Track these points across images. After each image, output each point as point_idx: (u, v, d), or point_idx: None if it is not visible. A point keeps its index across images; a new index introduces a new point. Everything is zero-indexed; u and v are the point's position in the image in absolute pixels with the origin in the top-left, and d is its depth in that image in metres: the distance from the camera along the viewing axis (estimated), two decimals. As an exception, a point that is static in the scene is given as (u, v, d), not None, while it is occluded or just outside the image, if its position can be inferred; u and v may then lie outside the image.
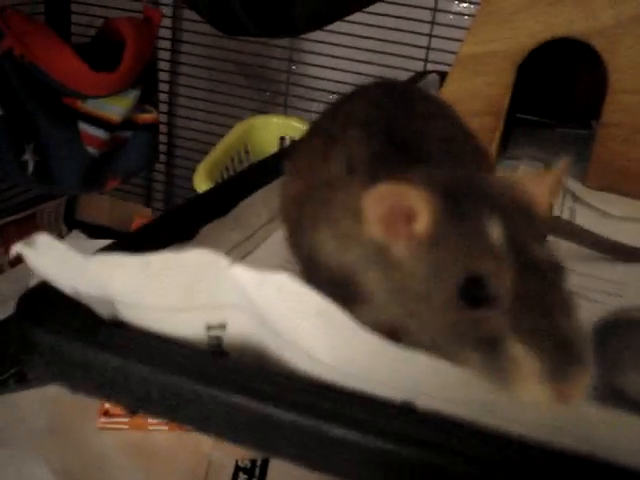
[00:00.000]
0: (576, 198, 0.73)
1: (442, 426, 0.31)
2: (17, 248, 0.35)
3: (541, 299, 0.31)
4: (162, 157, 1.75)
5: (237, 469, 0.98)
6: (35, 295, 0.37)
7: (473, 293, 0.31)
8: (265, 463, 0.98)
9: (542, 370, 0.29)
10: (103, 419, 1.02)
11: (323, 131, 0.46)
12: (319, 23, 0.73)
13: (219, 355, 0.35)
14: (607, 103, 0.73)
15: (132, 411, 0.39)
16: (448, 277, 0.32)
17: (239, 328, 0.34)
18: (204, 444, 1.02)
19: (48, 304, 0.37)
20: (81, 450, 0.99)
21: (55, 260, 0.34)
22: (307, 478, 0.94)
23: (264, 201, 0.58)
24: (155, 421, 1.03)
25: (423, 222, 0.33)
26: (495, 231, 0.32)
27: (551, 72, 0.94)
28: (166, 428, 1.03)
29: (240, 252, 0.54)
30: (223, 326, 0.35)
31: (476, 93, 0.78)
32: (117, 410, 1.02)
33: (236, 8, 0.69)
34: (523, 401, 0.30)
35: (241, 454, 1.00)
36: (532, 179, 0.36)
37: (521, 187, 0.35)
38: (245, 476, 0.97)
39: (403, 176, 0.34)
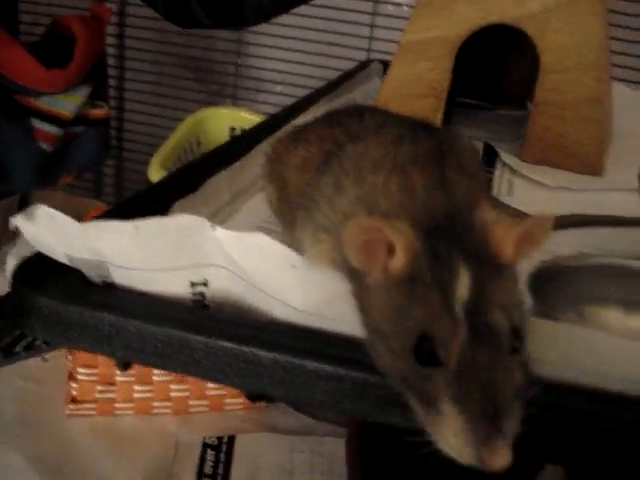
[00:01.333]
0: (513, 171, 0.78)
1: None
2: (16, 221, 0.38)
3: (483, 368, 0.32)
4: (112, 151, 1.76)
5: (205, 447, 1.01)
6: (31, 264, 0.41)
7: (424, 351, 0.32)
8: (231, 440, 1.02)
9: (466, 434, 0.31)
10: (71, 406, 1.05)
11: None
12: (268, 14, 0.77)
13: (203, 308, 0.39)
14: (538, 83, 0.79)
15: (125, 365, 0.43)
16: (408, 328, 0.33)
17: (220, 284, 0.39)
18: (171, 425, 1.06)
19: (44, 271, 0.41)
20: (52, 437, 1.01)
21: (52, 229, 0.38)
22: (273, 451, 0.98)
23: (227, 181, 0.62)
24: (122, 405, 1.06)
25: (400, 258, 0.33)
26: (460, 289, 0.33)
27: (489, 57, 1.00)
28: (133, 412, 1.06)
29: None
30: (205, 283, 0.39)
31: (418, 77, 0.84)
32: (85, 396, 1.05)
33: (191, 1, 0.73)
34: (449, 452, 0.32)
35: (208, 432, 1.04)
36: (503, 228, 0.34)
37: (492, 233, 0.35)
38: (213, 452, 1.01)
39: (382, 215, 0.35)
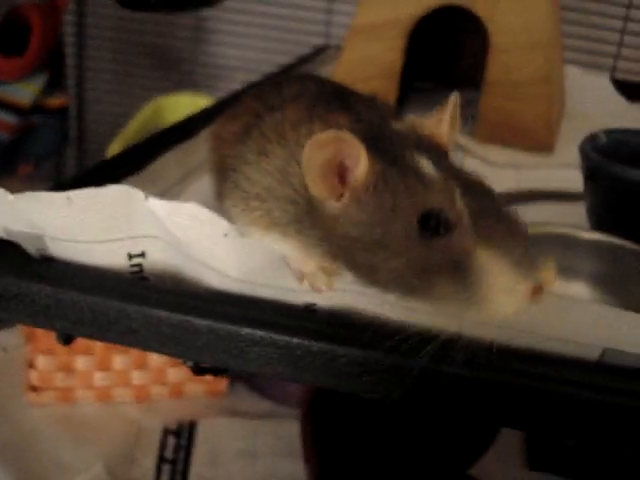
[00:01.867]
0: (465, 150, 0.79)
1: (337, 321, 0.37)
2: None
3: (492, 214, 0.34)
4: (73, 141, 1.75)
5: (166, 433, 1.02)
6: (-32, 238, 0.41)
7: (432, 225, 0.33)
8: (193, 425, 1.03)
9: (516, 267, 0.32)
10: (32, 394, 1.05)
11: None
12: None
13: (142, 279, 0.40)
14: (489, 63, 0.80)
15: (65, 339, 0.43)
16: (403, 218, 0.34)
17: (157, 255, 0.39)
18: (132, 411, 1.06)
19: (-19, 245, 0.41)
20: (12, 426, 1.01)
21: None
22: (235, 435, 0.99)
23: (176, 161, 0.62)
24: (83, 393, 1.06)
25: (362, 168, 0.34)
26: (427, 167, 0.34)
27: (442, 39, 1.01)
28: (93, 399, 1.06)
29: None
30: (143, 254, 0.39)
31: (370, 59, 0.84)
32: (45, 385, 1.05)
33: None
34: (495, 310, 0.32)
35: (168, 418, 1.04)
36: (430, 120, 0.38)
37: (423, 128, 0.38)
38: (174, 438, 1.01)
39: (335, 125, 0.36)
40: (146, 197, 0.37)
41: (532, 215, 0.64)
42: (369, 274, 0.35)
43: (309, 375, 0.35)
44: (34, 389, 1.05)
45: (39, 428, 1.02)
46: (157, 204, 0.37)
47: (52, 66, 1.45)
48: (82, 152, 1.85)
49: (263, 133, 0.40)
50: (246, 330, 0.35)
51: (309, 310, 0.37)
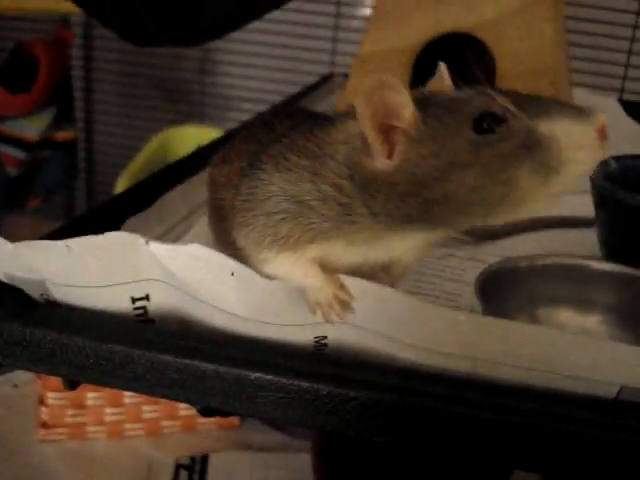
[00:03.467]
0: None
1: (348, 362, 0.36)
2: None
3: (530, 98, 0.36)
4: (82, 174, 1.76)
5: (177, 467, 1.01)
6: (-28, 284, 0.41)
7: (487, 123, 0.35)
8: (204, 459, 1.02)
9: (576, 122, 0.34)
10: (42, 431, 1.04)
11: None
12: (224, 29, 0.77)
13: (146, 322, 0.39)
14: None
15: (71, 384, 0.42)
16: (460, 134, 0.35)
17: (161, 297, 0.38)
18: (143, 446, 1.05)
19: (-16, 291, 0.40)
20: (23, 462, 1.01)
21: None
22: (247, 469, 0.98)
23: (183, 196, 0.62)
24: (94, 429, 1.05)
25: (410, 107, 0.35)
26: (459, 90, 0.38)
27: (448, 65, 1.00)
28: (104, 435, 1.05)
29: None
30: (147, 297, 0.39)
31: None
32: (55, 421, 1.04)
33: (143, 17, 0.72)
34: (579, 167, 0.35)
35: (181, 452, 1.03)
36: (432, 82, 0.41)
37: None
38: (186, 473, 1.00)
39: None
40: (147, 242, 0.37)
41: (541, 244, 0.63)
42: (449, 208, 0.36)
43: (319, 419, 0.35)
44: (45, 425, 1.04)
45: (50, 464, 1.01)
46: (158, 248, 0.37)
47: (60, 100, 1.46)
48: (91, 184, 1.86)
49: (276, 156, 0.40)
50: (254, 374, 0.35)
51: (319, 345, 0.36)
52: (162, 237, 0.58)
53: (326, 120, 0.41)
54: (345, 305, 0.36)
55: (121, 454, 1.04)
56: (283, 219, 0.38)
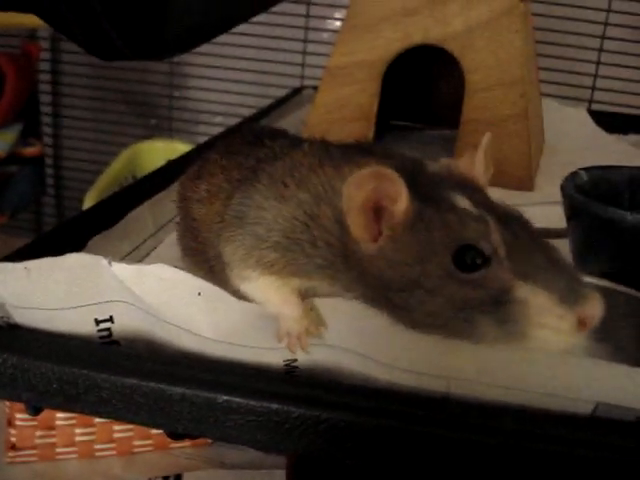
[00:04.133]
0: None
1: (318, 384, 0.35)
2: None
3: (529, 245, 0.33)
4: (50, 189, 1.73)
5: (151, 487, 0.99)
6: None
7: (468, 260, 0.33)
8: (178, 478, 1.00)
9: (559, 301, 0.31)
10: (11, 453, 1.02)
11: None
12: (191, 43, 0.76)
13: (110, 345, 0.38)
14: (465, 102, 0.79)
15: (35, 410, 0.41)
16: (439, 254, 0.33)
17: (126, 319, 0.37)
18: (115, 467, 1.03)
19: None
20: (-8, 486, 0.98)
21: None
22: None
23: (151, 212, 0.61)
24: (64, 450, 1.03)
25: (403, 206, 0.34)
26: (463, 202, 0.34)
27: (418, 78, 1.00)
28: (75, 456, 1.03)
29: (130, 261, 0.56)
30: (111, 319, 0.37)
31: (346, 101, 0.83)
32: (24, 443, 1.02)
33: (108, 31, 0.71)
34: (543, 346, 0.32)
35: (153, 472, 1.01)
36: (464, 160, 0.39)
37: (456, 168, 0.38)
38: (160, 493, 0.98)
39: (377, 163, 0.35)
40: (109, 262, 0.36)
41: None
42: (406, 315, 0.34)
43: (290, 442, 0.34)
44: (13, 447, 1.02)
45: (20, 487, 0.99)
46: (122, 269, 0.35)
47: (27, 115, 1.44)
48: (60, 200, 1.83)
49: (275, 179, 0.38)
50: (223, 397, 0.34)
51: (290, 367, 0.35)
52: (129, 255, 0.56)
53: (339, 154, 0.39)
54: (316, 334, 0.35)
55: (92, 475, 1.02)
56: (271, 247, 0.37)
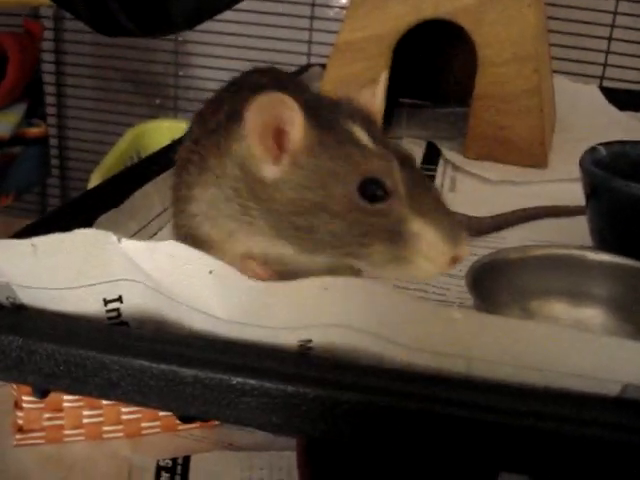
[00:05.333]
0: (456, 168, 0.77)
1: (335, 365, 0.34)
2: None
3: (422, 186, 0.37)
4: (55, 170, 1.72)
5: (159, 469, 0.98)
6: None
7: (372, 191, 0.36)
8: (186, 460, 0.99)
9: (442, 238, 0.35)
10: (18, 435, 1.01)
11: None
12: (197, 19, 0.75)
13: (120, 326, 0.37)
14: (478, 77, 0.78)
15: (42, 393, 0.40)
16: (343, 183, 0.36)
17: (135, 299, 0.36)
18: (123, 449, 1.02)
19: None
20: (1, 469, 0.98)
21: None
22: (230, 469, 0.96)
23: (157, 191, 0.59)
24: (71, 432, 1.02)
25: (299, 131, 0.37)
26: (363, 137, 0.37)
27: (428, 55, 0.99)
28: (83, 438, 1.02)
29: (137, 239, 0.55)
30: (120, 299, 0.36)
31: (355, 77, 0.82)
32: (32, 425, 1.02)
33: (114, 7, 0.70)
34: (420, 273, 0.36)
35: (161, 454, 1.01)
36: (364, 93, 0.41)
37: (357, 101, 0.41)
38: (167, 474, 0.98)
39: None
40: (119, 239, 0.34)
41: (530, 235, 0.61)
42: (308, 237, 0.37)
43: (306, 425, 0.32)
44: (21, 430, 1.02)
45: (27, 470, 0.99)
46: (131, 246, 0.34)
47: (30, 95, 1.43)
48: (65, 181, 1.82)
49: (201, 154, 0.42)
50: (236, 379, 0.32)
51: (304, 348, 0.34)
52: (135, 234, 0.55)
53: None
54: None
55: (100, 457, 1.01)
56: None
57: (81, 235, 0.35)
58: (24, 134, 1.44)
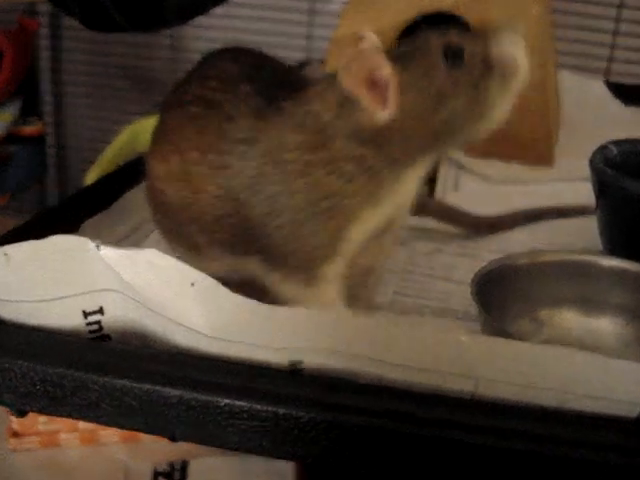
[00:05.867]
0: (460, 166, 0.74)
1: (329, 385, 0.31)
2: None
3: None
4: (53, 170, 1.70)
5: (156, 474, 0.96)
6: None
7: (455, 51, 0.40)
8: (184, 465, 0.97)
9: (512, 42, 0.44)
10: (13, 440, 0.99)
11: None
12: (190, 14, 0.73)
13: (101, 340, 0.34)
14: (481, 72, 0.75)
15: (20, 412, 0.37)
16: (440, 70, 0.40)
17: (118, 310, 0.34)
18: (119, 453, 1.00)
19: None
20: (-4, 474, 0.96)
21: None
22: (228, 474, 0.93)
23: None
24: (67, 436, 1.00)
25: (387, 67, 0.39)
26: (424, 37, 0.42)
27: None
28: (78, 442, 1.00)
29: (128, 244, 0.53)
30: (101, 311, 0.34)
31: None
32: (27, 429, 1.00)
33: (105, 2, 0.68)
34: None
35: (158, 459, 0.98)
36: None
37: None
38: (165, 480, 0.96)
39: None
40: (97, 246, 0.32)
41: (536, 236, 0.59)
42: (447, 131, 0.41)
43: (299, 450, 0.30)
44: (16, 434, 0.99)
45: (22, 475, 0.97)
46: (111, 253, 0.32)
47: (26, 93, 1.41)
48: (63, 180, 1.80)
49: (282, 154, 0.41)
50: (224, 400, 0.30)
51: (296, 369, 0.32)
52: (125, 239, 0.53)
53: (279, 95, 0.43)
54: None
55: (97, 462, 0.99)
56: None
57: (57, 242, 0.32)
58: (19, 132, 1.42)
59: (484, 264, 0.44)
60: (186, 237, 0.44)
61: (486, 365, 0.29)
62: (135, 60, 1.63)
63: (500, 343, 0.30)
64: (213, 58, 0.49)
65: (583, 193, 0.54)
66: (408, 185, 0.43)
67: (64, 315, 0.34)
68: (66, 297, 0.33)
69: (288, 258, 0.41)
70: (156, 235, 0.55)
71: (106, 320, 0.34)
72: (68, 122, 1.75)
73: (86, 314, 0.34)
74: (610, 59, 1.32)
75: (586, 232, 0.55)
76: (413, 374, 0.30)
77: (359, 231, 0.41)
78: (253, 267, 0.42)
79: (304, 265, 0.41)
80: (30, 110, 1.43)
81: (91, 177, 1.22)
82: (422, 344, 0.30)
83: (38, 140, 1.46)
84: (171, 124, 0.45)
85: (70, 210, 0.52)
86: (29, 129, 1.44)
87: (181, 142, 0.43)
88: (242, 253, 0.42)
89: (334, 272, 0.42)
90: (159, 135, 0.46)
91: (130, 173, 0.59)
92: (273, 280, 0.42)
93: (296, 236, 0.41)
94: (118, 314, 0.34)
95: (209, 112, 0.43)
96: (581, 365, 0.29)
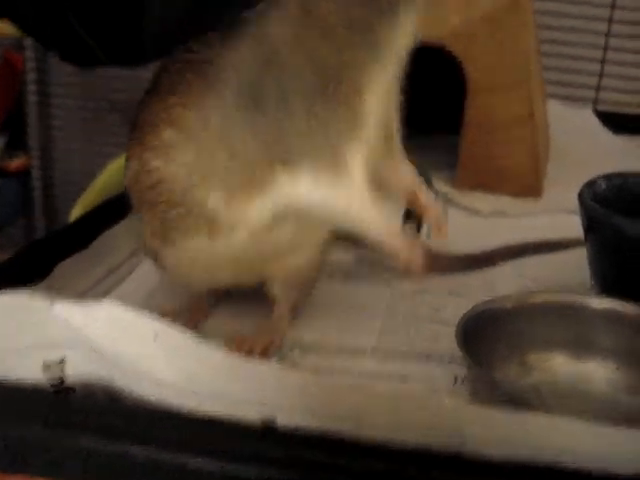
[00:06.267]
0: (447, 200, 0.73)
1: (306, 442, 0.29)
2: None
3: None
4: (40, 204, 1.69)
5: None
6: None
7: None
8: None
9: None
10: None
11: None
12: (169, 44, 0.71)
13: (65, 393, 0.32)
14: (468, 104, 0.74)
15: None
16: None
17: (79, 363, 0.32)
18: None
19: None
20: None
21: None
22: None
23: (127, 232, 0.55)
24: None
25: None
26: None
27: (416, 80, 0.95)
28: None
29: (104, 287, 0.51)
30: (62, 362, 0.32)
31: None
32: None
33: (83, 36, 0.66)
34: None
35: None
36: None
37: None
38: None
39: None
40: (51, 303, 0.30)
41: (528, 272, 0.57)
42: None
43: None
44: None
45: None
46: (66, 309, 0.30)
47: (11, 127, 1.40)
48: (52, 214, 1.78)
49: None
50: (193, 461, 0.28)
51: (268, 428, 0.30)
52: (102, 280, 0.51)
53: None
54: None
55: None
56: None
57: (7, 300, 0.30)
58: (5, 167, 1.41)
59: (471, 304, 0.43)
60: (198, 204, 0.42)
61: (470, 432, 0.28)
62: (124, 94, 1.62)
63: (482, 412, 0.28)
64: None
65: (572, 225, 0.53)
66: (404, 28, 0.43)
67: (23, 368, 0.32)
68: (25, 350, 0.31)
69: (314, 155, 0.40)
70: (133, 277, 0.53)
71: (68, 372, 0.32)
72: (56, 156, 1.74)
73: (47, 366, 0.32)
74: (598, 88, 1.31)
75: (575, 266, 0.54)
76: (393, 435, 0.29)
77: (372, 96, 0.43)
78: (279, 186, 0.41)
79: (331, 157, 0.40)
80: (16, 144, 1.43)
81: (75, 214, 1.21)
82: (401, 415, 0.28)
83: (24, 175, 1.46)
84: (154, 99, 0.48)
85: (45, 251, 0.50)
86: (15, 163, 1.43)
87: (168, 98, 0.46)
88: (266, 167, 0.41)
89: (360, 157, 0.41)
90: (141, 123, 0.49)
91: (110, 211, 0.58)
92: (300, 191, 0.40)
93: (316, 130, 0.40)
94: (81, 366, 0.32)
95: (192, 72, 0.45)
96: (566, 435, 0.28)
